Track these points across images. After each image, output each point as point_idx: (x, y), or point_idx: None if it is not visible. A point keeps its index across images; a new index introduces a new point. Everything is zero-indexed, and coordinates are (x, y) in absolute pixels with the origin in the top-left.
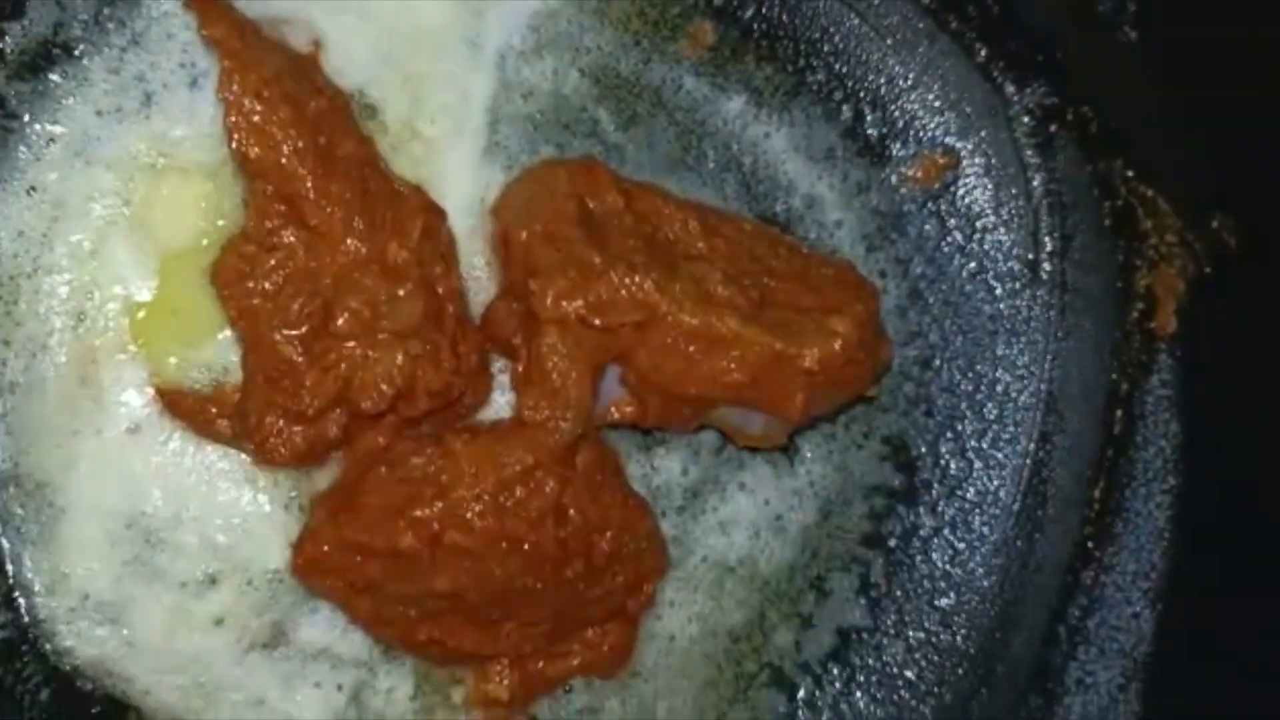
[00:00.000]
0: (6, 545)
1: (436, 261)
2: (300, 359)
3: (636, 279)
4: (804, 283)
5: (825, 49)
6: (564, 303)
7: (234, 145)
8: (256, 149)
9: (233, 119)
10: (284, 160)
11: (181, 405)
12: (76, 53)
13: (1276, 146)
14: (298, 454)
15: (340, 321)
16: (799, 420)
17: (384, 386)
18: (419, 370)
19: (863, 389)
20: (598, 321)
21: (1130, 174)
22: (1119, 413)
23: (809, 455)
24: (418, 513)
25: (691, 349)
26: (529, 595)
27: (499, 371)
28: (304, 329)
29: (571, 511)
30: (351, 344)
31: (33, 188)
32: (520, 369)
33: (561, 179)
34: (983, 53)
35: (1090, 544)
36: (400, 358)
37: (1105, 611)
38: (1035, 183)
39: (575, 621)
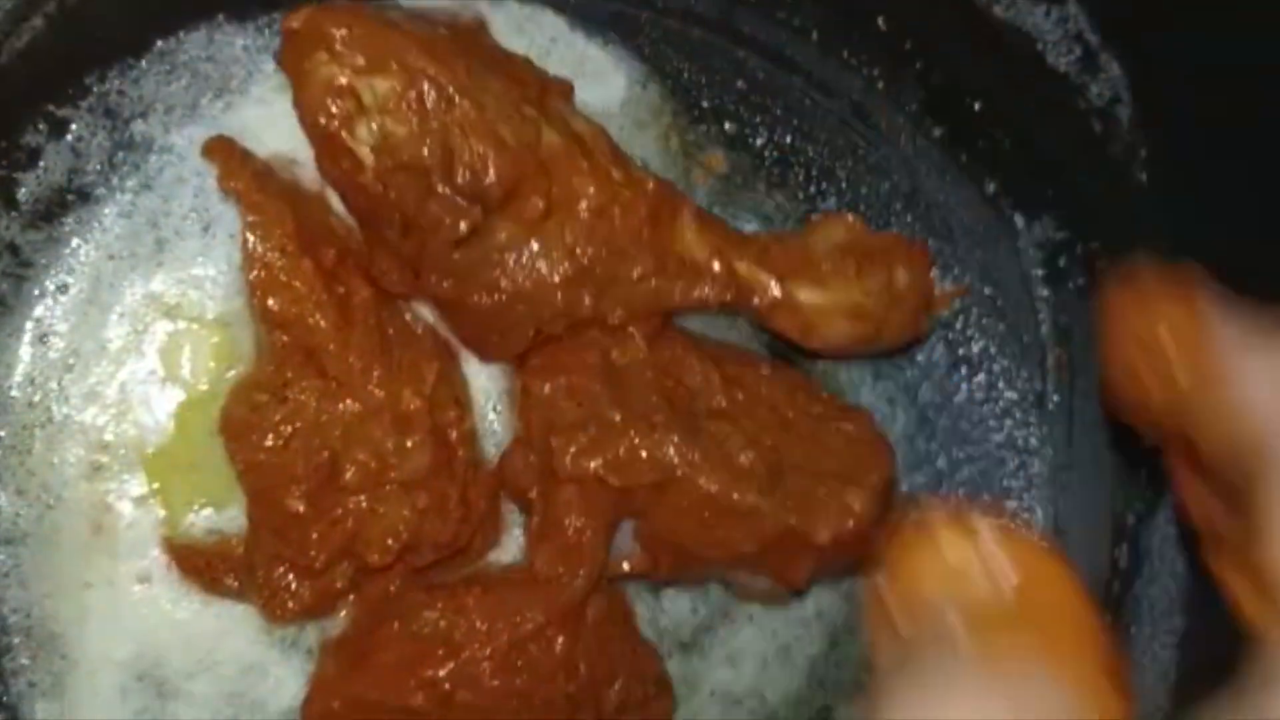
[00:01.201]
0: (19, 698)
1: (450, 406)
2: (306, 512)
3: (656, 439)
4: (821, 444)
5: (837, 175)
6: (583, 461)
7: (254, 299)
8: (278, 303)
9: (254, 274)
10: (306, 313)
11: (188, 561)
12: (90, 198)
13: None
14: (305, 608)
15: (348, 475)
16: (802, 589)
17: (390, 541)
18: (425, 523)
19: (868, 553)
20: (615, 481)
21: None
22: (1124, 547)
23: (816, 585)
24: (428, 673)
25: (707, 514)
26: None
27: (511, 514)
28: (310, 483)
29: (581, 666)
30: (358, 497)
31: (45, 335)
32: (535, 524)
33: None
34: (992, 186)
35: None
36: (407, 511)
37: None
38: (1043, 314)
39: None
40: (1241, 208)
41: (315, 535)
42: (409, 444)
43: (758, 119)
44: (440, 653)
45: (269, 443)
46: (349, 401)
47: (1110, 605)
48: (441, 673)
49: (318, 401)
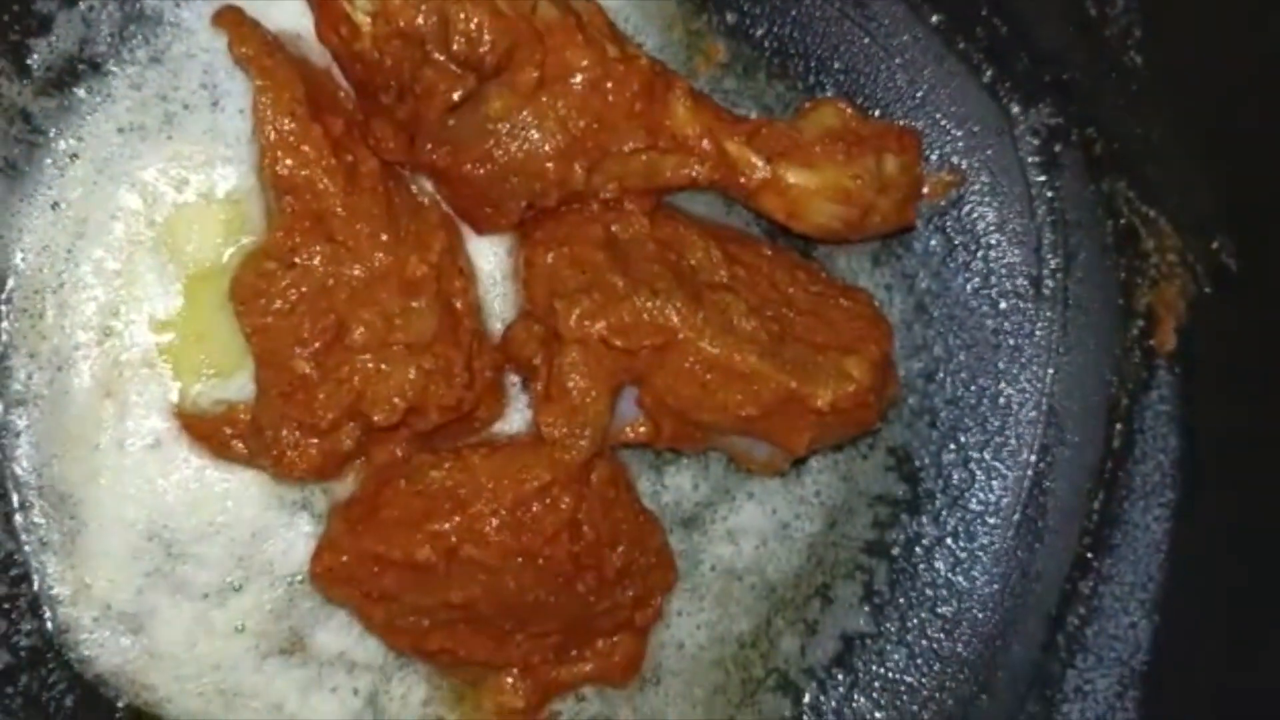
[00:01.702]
0: (31, 555)
1: (455, 276)
2: (313, 373)
3: (659, 303)
4: (821, 317)
5: (835, 66)
6: (587, 323)
7: (265, 162)
8: (288, 167)
9: (265, 138)
10: (315, 177)
11: (197, 427)
12: (102, 69)
13: (1274, 172)
14: (314, 466)
15: (355, 335)
16: (802, 454)
17: (395, 400)
18: (430, 385)
19: (869, 426)
20: (619, 343)
21: (1133, 195)
22: (1118, 427)
23: (815, 466)
24: (435, 526)
25: (709, 377)
26: (541, 607)
27: (515, 388)
28: (317, 344)
29: (585, 527)
30: (364, 357)
31: (56, 203)
32: (540, 387)
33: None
34: (989, 73)
35: (1089, 554)
36: (412, 372)
37: (1103, 621)
38: (1039, 201)
39: (585, 632)
40: (1236, 86)
41: (322, 396)
42: (415, 306)
43: (758, 9)
44: (447, 508)
45: (276, 306)
46: (356, 266)
47: (1104, 483)
48: (447, 526)
49: (325, 266)
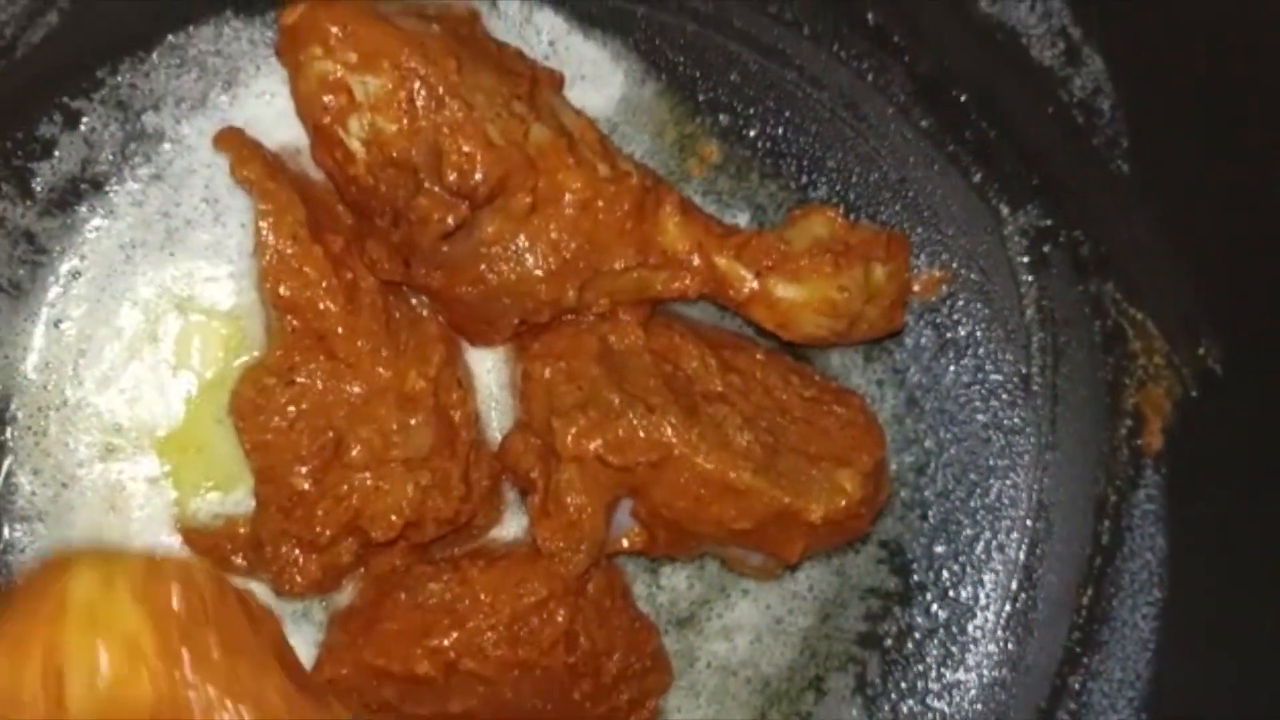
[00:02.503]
0: None
1: (453, 388)
2: (312, 490)
3: (654, 420)
4: (815, 425)
5: (828, 165)
6: (584, 441)
7: (267, 284)
8: (290, 288)
9: (266, 260)
10: (317, 298)
11: (199, 542)
12: (104, 188)
13: (1261, 280)
14: (313, 581)
15: (353, 453)
16: (795, 562)
17: (394, 517)
18: (428, 500)
19: (861, 535)
20: (615, 461)
21: (1120, 296)
22: (1106, 524)
23: (808, 560)
24: (434, 642)
25: (703, 492)
26: (538, 715)
27: (511, 493)
28: (316, 461)
29: (581, 638)
30: (362, 475)
31: (59, 320)
32: (537, 501)
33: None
34: (978, 175)
35: (1078, 649)
36: (410, 489)
37: (1093, 718)
38: (1028, 299)
39: None
40: (1221, 195)
41: (321, 512)
42: (413, 423)
43: (751, 111)
44: (446, 623)
45: (275, 423)
46: (356, 383)
47: (1092, 579)
48: (447, 642)
49: (325, 383)
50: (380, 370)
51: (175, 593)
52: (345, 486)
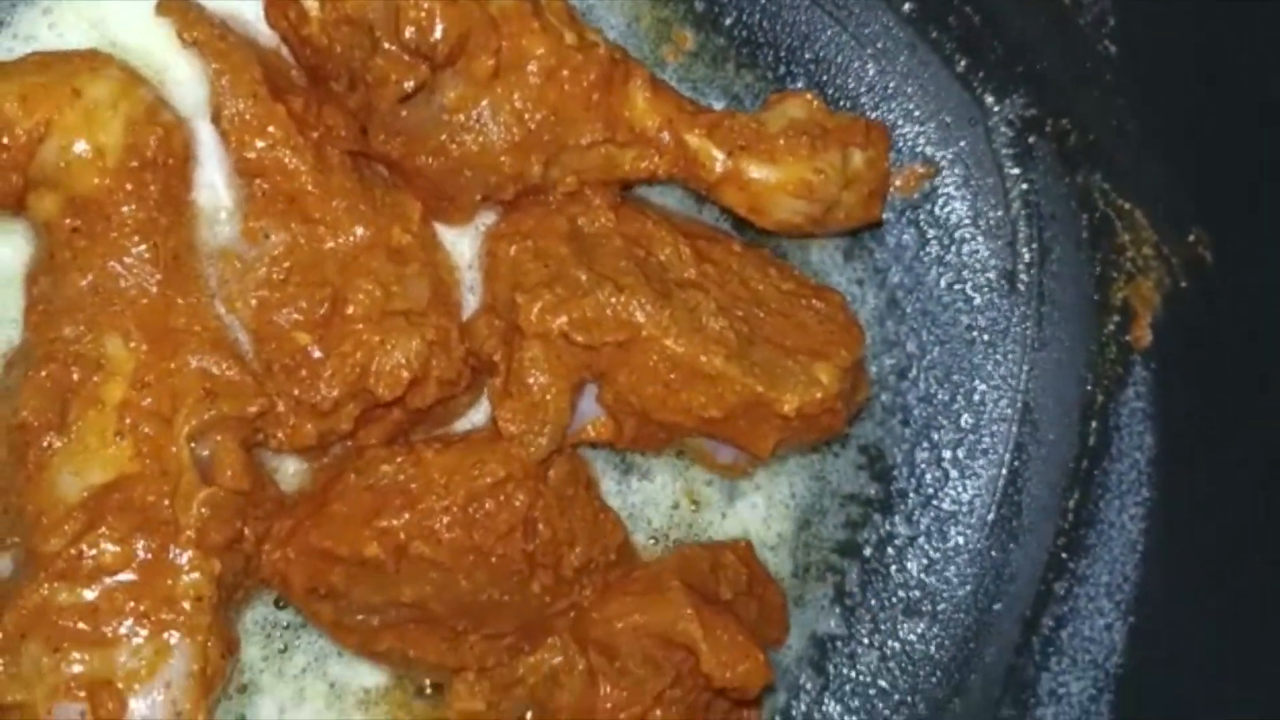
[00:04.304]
0: None
1: (437, 247)
2: (315, 348)
3: (623, 299)
4: (792, 318)
5: (805, 56)
6: (549, 318)
7: (229, 149)
8: (256, 149)
9: (227, 122)
10: (284, 159)
11: None
12: None
13: (1252, 163)
14: (306, 447)
15: (352, 308)
16: (766, 458)
17: (403, 372)
18: (432, 357)
19: (836, 432)
20: (581, 339)
21: (1108, 187)
22: (1094, 424)
23: (789, 464)
24: (384, 523)
25: (672, 377)
26: (494, 607)
27: None
28: (317, 315)
29: (541, 526)
30: (365, 330)
31: None
32: (499, 383)
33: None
34: (962, 63)
35: (1064, 555)
36: (415, 342)
37: (1078, 623)
38: (1013, 194)
39: (540, 631)
40: (1209, 77)
41: (328, 372)
42: (408, 272)
43: None
44: (397, 503)
45: (267, 275)
46: (340, 239)
47: (1079, 482)
48: (397, 522)
49: (308, 241)
50: (360, 228)
51: (153, 139)
52: (349, 344)
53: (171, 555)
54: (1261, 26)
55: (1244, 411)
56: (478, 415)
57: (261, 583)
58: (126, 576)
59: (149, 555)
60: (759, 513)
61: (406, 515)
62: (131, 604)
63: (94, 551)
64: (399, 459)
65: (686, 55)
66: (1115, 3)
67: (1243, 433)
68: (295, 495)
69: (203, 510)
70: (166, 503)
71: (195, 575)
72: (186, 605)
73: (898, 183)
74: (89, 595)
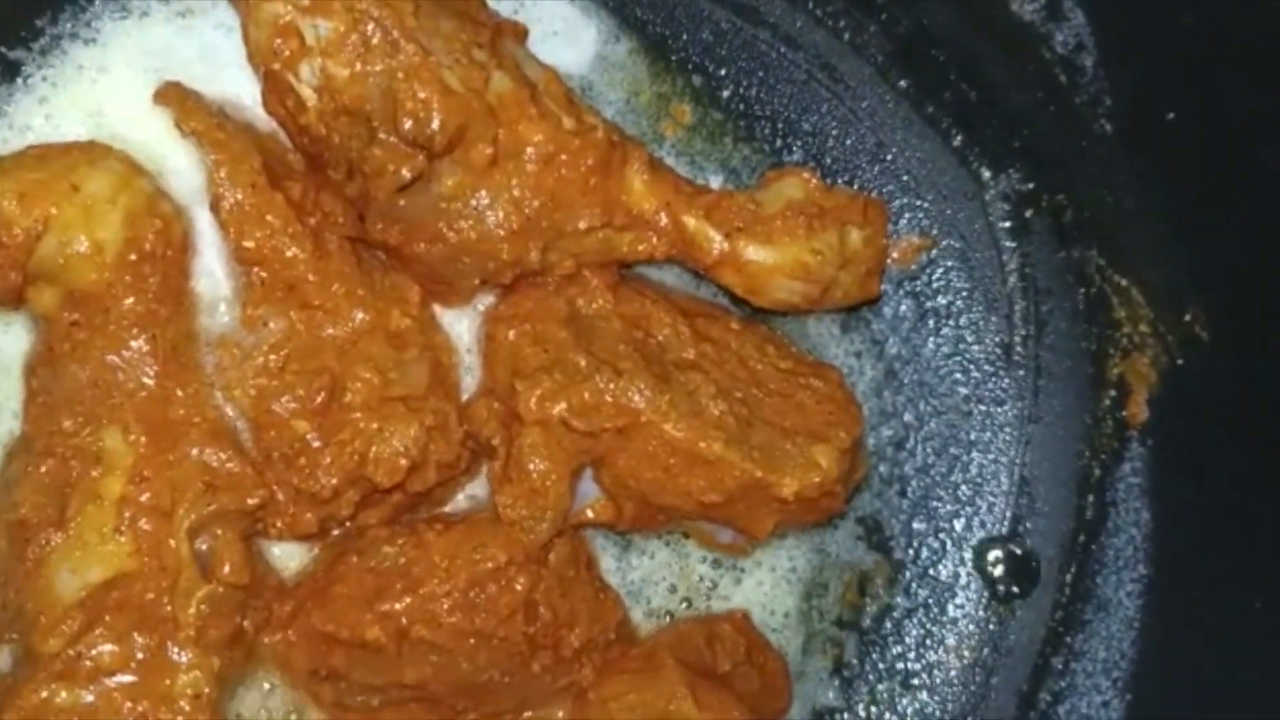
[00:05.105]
0: None
1: (436, 330)
2: (314, 437)
3: (622, 384)
4: (790, 399)
5: (803, 128)
6: (548, 404)
7: (228, 239)
8: (255, 239)
9: (226, 213)
10: (283, 246)
11: None
12: None
13: (1248, 242)
14: (307, 535)
15: (350, 395)
16: (764, 539)
17: (401, 460)
18: (431, 442)
19: (835, 513)
20: (580, 425)
21: (1104, 262)
22: (1090, 498)
23: (790, 539)
24: (386, 606)
25: (672, 461)
26: (494, 687)
27: None
28: (316, 403)
29: (542, 608)
30: (364, 418)
31: None
32: (499, 467)
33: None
34: (959, 138)
35: (1061, 629)
36: (414, 429)
37: (1075, 699)
38: (1010, 267)
39: (539, 705)
40: (1206, 156)
41: (327, 460)
42: (406, 358)
43: (724, 72)
44: (398, 587)
45: (265, 363)
46: (338, 327)
47: (1076, 556)
48: (399, 606)
49: (307, 328)
50: (359, 313)
51: (152, 232)
52: (348, 432)
53: (170, 653)
54: (1258, 107)
55: (1240, 489)
56: (478, 488)
57: (261, 664)
58: (125, 677)
59: (147, 654)
60: (763, 589)
61: (408, 599)
62: (129, 704)
63: (93, 651)
64: (400, 541)
65: (685, 129)
66: (1111, 81)
67: (1239, 510)
68: (296, 578)
69: (202, 607)
70: (165, 600)
71: (194, 674)
72: (184, 704)
73: (895, 255)
74: (88, 696)
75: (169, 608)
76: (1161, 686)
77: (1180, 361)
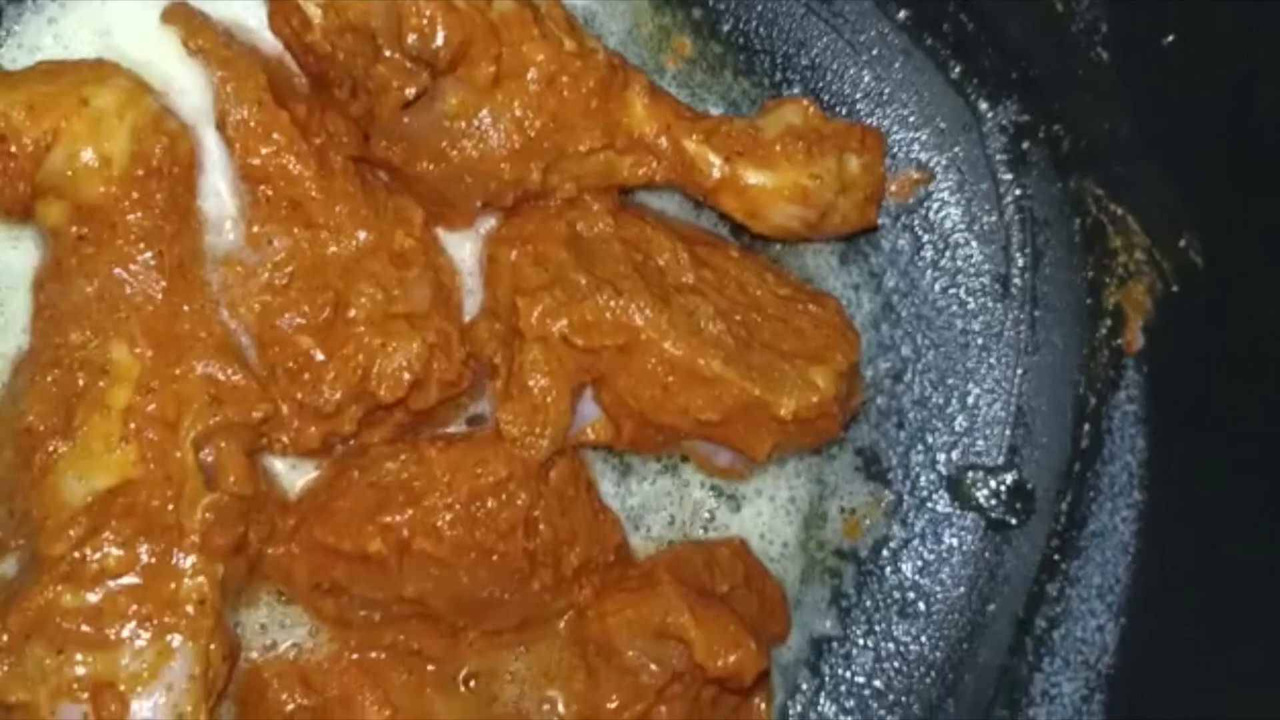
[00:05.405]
0: None
1: (439, 251)
2: (317, 352)
3: (622, 302)
4: (789, 323)
5: (801, 63)
6: (549, 321)
7: (234, 155)
8: (261, 156)
9: (232, 129)
10: (288, 165)
11: None
12: None
13: (1243, 169)
14: (309, 450)
15: (354, 311)
16: (763, 460)
17: (405, 375)
18: (433, 360)
19: (832, 436)
20: (581, 342)
21: (1100, 192)
22: (1086, 427)
23: (789, 467)
24: (387, 519)
25: (670, 380)
26: (495, 604)
27: None
28: (320, 320)
29: (542, 525)
30: (367, 333)
31: None
32: (500, 385)
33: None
34: (957, 70)
35: (1057, 557)
36: (416, 345)
37: (1071, 624)
38: (1007, 199)
39: (539, 628)
40: (1200, 82)
41: (331, 374)
42: (409, 276)
43: (723, 5)
44: (400, 500)
45: (270, 281)
46: (343, 243)
47: (1072, 484)
48: (400, 519)
49: (311, 246)
50: (363, 232)
51: (159, 148)
52: (351, 347)
53: (175, 559)
54: (1254, 33)
55: (1235, 415)
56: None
57: (264, 579)
58: (130, 580)
59: (152, 559)
60: (762, 519)
61: (409, 512)
62: (134, 607)
63: (98, 555)
64: (402, 456)
65: (685, 62)
66: (1108, 9)
67: (1233, 436)
68: (299, 495)
69: (207, 515)
70: (170, 508)
71: (198, 579)
72: (189, 609)
73: (893, 188)
74: (92, 598)
75: (174, 515)
76: (1156, 611)
77: (1175, 289)
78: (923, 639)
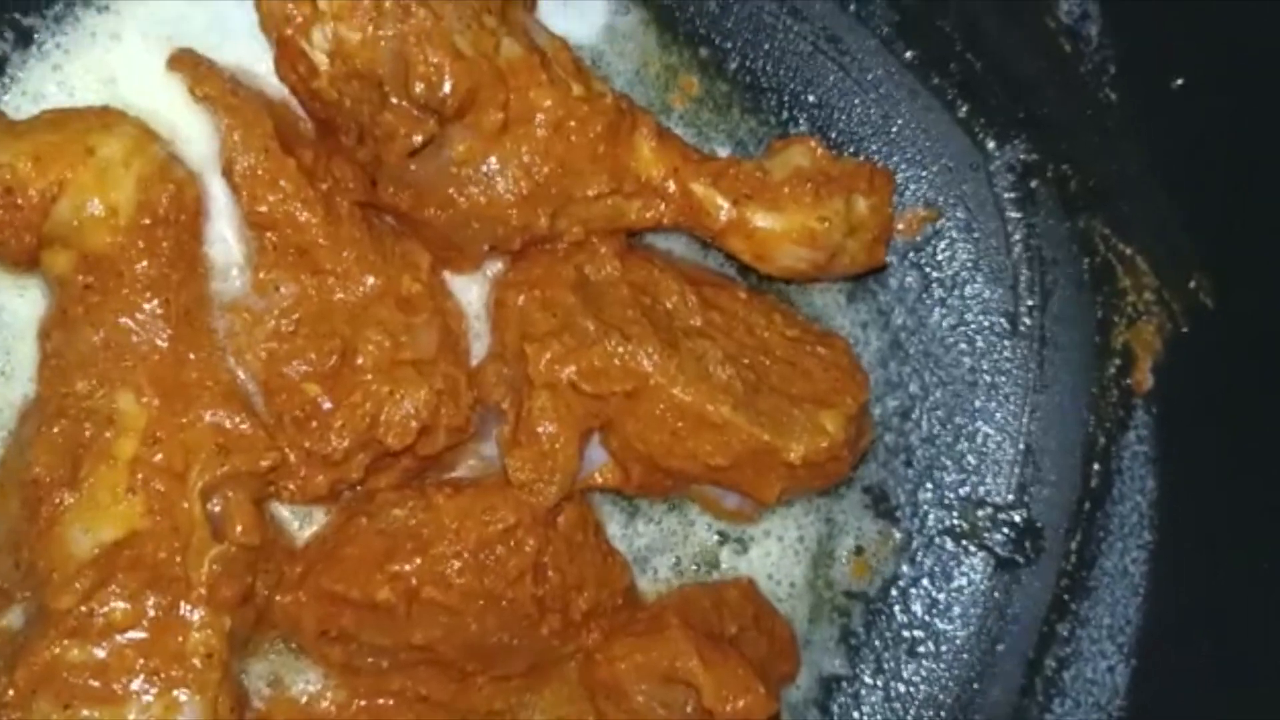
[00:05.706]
0: None
1: (446, 296)
2: (325, 399)
3: (630, 348)
4: (797, 366)
5: (808, 100)
6: (557, 367)
7: (241, 203)
8: (268, 203)
9: (239, 177)
10: (295, 212)
11: None
12: None
13: (1252, 209)
14: (317, 497)
15: (361, 358)
16: (771, 504)
17: (412, 422)
18: (441, 406)
19: (841, 479)
20: (589, 388)
21: (1109, 232)
22: (1096, 466)
23: (797, 507)
24: (396, 567)
25: (679, 425)
26: (504, 650)
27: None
28: (327, 367)
29: (550, 571)
30: (374, 380)
31: None
32: (508, 431)
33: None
34: (964, 109)
35: (1066, 597)
36: (424, 392)
37: (1081, 664)
38: (1015, 237)
39: (549, 673)
40: (1209, 123)
41: (338, 423)
42: (417, 322)
43: (730, 44)
44: (409, 548)
45: (277, 328)
46: (349, 291)
47: (1082, 523)
48: (409, 567)
49: (318, 293)
50: (370, 278)
51: (166, 197)
52: (358, 394)
53: (182, 612)
54: (1263, 75)
55: (1244, 456)
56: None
57: (271, 627)
58: (137, 634)
59: (159, 612)
60: (770, 559)
61: (418, 560)
62: (141, 661)
63: (105, 609)
64: (410, 503)
65: (692, 101)
66: (1115, 49)
67: (1243, 477)
68: (306, 541)
69: (214, 567)
70: (178, 559)
71: (205, 633)
72: (196, 662)
73: (900, 226)
74: (99, 653)
75: (181, 567)
76: (1166, 652)
77: (1185, 329)
78: (932, 679)
